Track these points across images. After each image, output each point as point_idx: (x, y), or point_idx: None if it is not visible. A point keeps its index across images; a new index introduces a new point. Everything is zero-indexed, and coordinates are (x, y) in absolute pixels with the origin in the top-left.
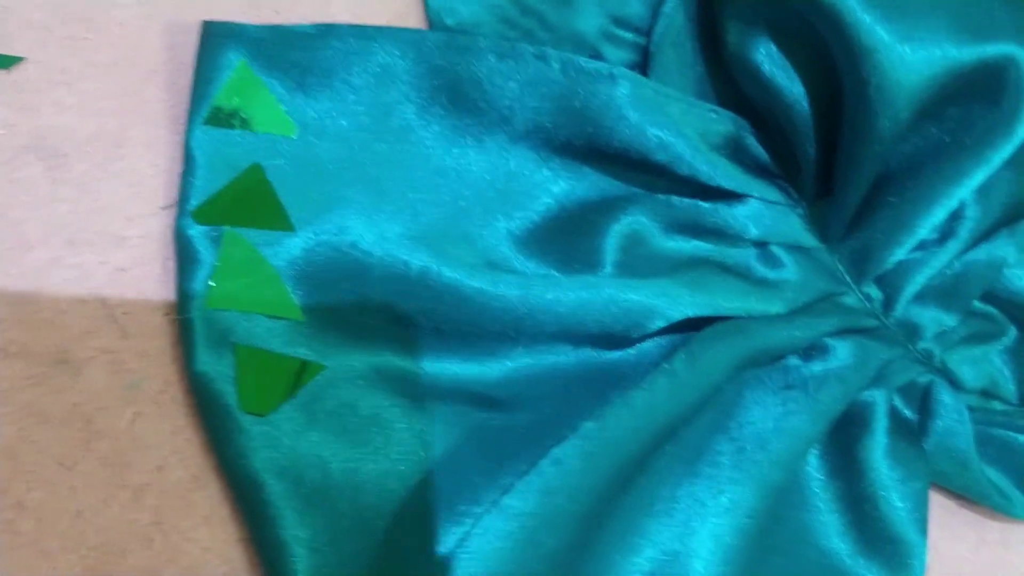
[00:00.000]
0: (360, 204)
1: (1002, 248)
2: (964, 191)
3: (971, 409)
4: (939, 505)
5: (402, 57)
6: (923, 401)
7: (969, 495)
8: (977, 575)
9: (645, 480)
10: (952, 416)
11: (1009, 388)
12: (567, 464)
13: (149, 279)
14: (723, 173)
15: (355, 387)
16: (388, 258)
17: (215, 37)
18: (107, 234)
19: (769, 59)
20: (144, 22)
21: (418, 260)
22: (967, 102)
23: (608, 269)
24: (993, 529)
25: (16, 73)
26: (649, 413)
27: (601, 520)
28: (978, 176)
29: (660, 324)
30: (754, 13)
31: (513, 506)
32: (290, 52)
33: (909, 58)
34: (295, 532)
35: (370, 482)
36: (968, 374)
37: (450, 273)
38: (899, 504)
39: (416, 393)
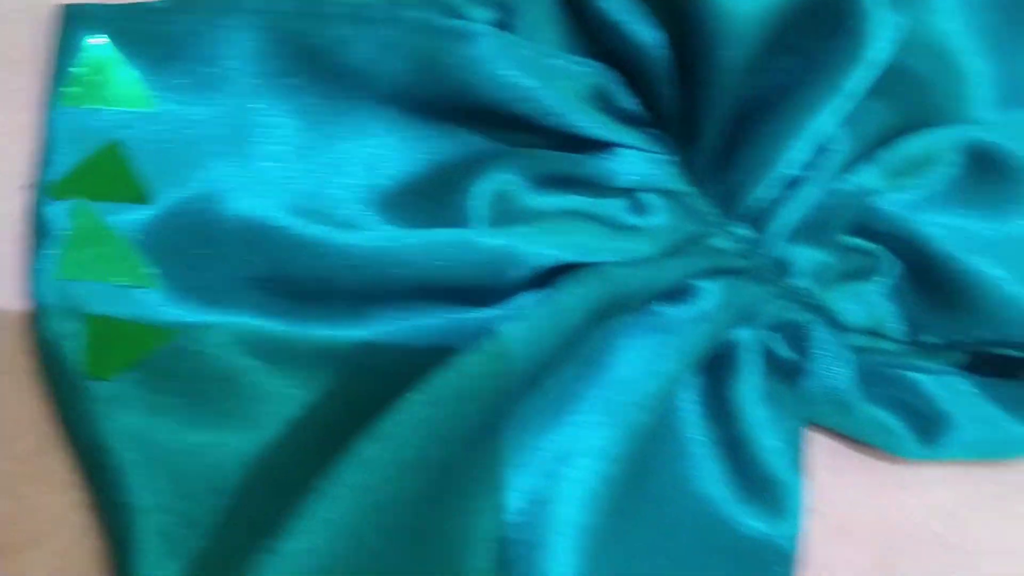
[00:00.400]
0: (220, 173)
1: (864, 177)
2: (824, 122)
3: (860, 349)
4: (831, 449)
5: (251, 26)
6: (800, 341)
7: (853, 435)
8: (873, 519)
9: (506, 430)
10: (830, 356)
11: (896, 326)
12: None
13: (7, 257)
14: (592, 123)
15: (209, 353)
16: (248, 220)
17: (74, 18)
18: None
19: (617, 4)
20: (17, 14)
21: (274, 219)
22: (811, 30)
23: (481, 227)
24: (888, 471)
25: None
26: (501, 361)
27: (461, 469)
28: (835, 104)
29: (523, 272)
30: None
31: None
32: (147, 28)
33: None
34: (141, 497)
35: (227, 447)
36: (851, 312)
37: (312, 230)
38: (773, 444)
39: (274, 357)
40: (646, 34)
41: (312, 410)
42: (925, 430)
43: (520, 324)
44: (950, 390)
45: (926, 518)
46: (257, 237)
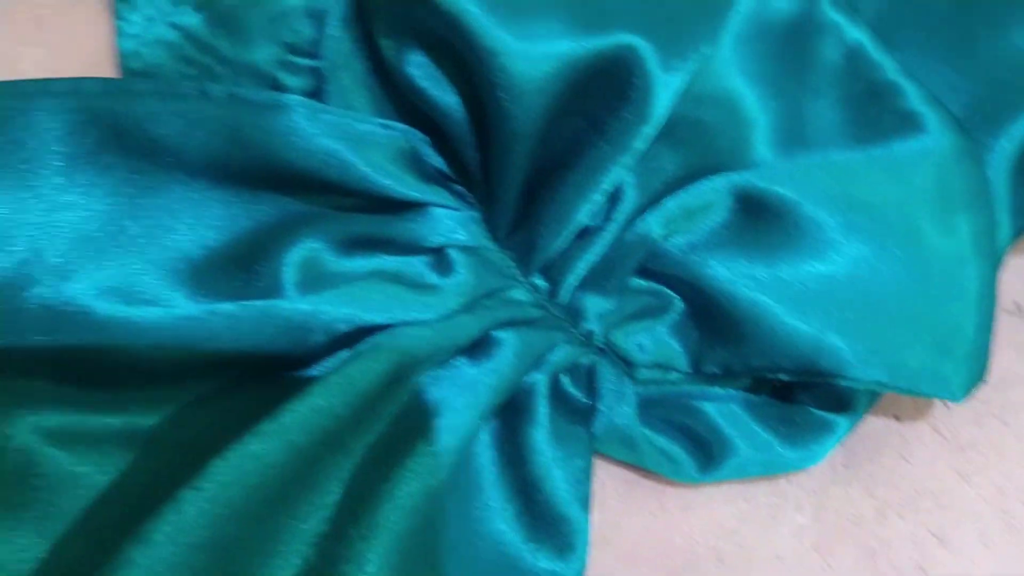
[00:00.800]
0: (26, 258)
1: (646, 225)
2: (613, 177)
3: (648, 382)
4: (619, 478)
5: (59, 107)
6: (589, 383)
7: (643, 466)
8: (660, 542)
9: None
10: (614, 395)
11: (680, 359)
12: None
13: None
14: (399, 184)
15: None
16: (51, 307)
17: None
18: None
19: (421, 71)
20: None
21: (83, 303)
22: (598, 94)
23: (290, 295)
24: (674, 496)
25: None
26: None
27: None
28: (623, 161)
29: (326, 336)
30: (401, 28)
31: None
32: None
33: (530, 55)
34: None
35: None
36: (639, 350)
37: (117, 311)
38: (561, 483)
39: (77, 442)
40: (448, 99)
41: (115, 491)
42: (707, 455)
43: (305, 400)
44: (729, 417)
45: (707, 536)
46: (59, 323)
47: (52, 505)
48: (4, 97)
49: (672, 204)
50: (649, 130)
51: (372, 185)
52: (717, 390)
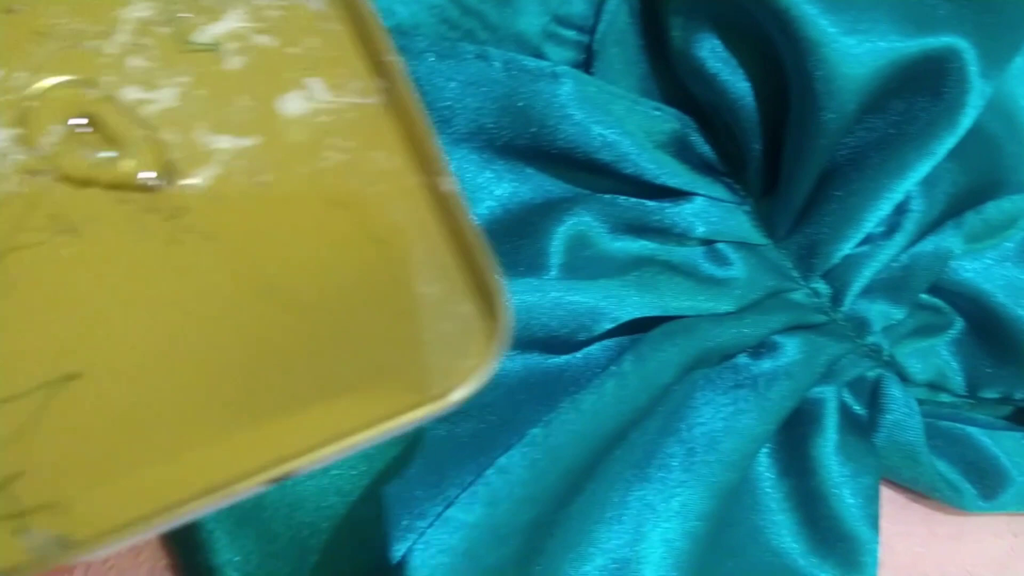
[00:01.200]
0: None
1: (948, 240)
2: (909, 183)
3: (919, 402)
4: (889, 500)
5: None
6: (872, 396)
7: (919, 488)
8: (929, 569)
9: (594, 486)
10: (902, 410)
11: (956, 380)
12: (513, 473)
13: None
14: (668, 171)
15: None
16: None
17: None
18: None
19: (713, 55)
20: None
21: None
22: (911, 94)
23: (554, 272)
24: (944, 522)
25: None
26: (597, 418)
27: (549, 529)
28: (922, 168)
29: (607, 326)
30: (698, 8)
31: (457, 518)
32: None
33: (854, 50)
34: (227, 556)
35: (308, 499)
36: (916, 367)
37: None
38: (850, 500)
39: None
40: (740, 85)
41: (379, 457)
42: (984, 484)
43: (612, 381)
44: (1005, 445)
45: (980, 569)
46: None
47: None
48: None
49: (974, 220)
50: (954, 138)
51: (641, 170)
52: (981, 416)
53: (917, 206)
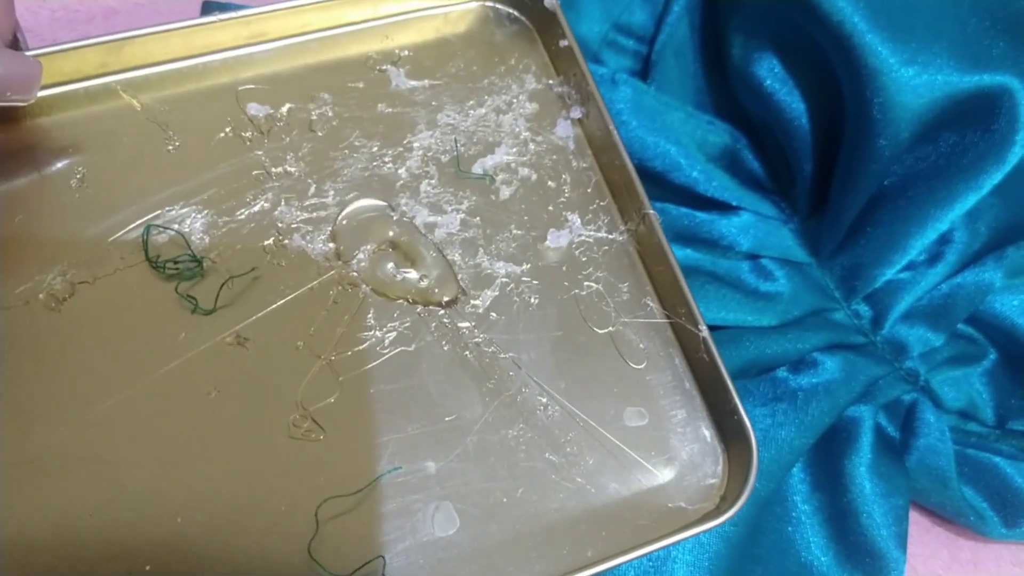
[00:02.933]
0: None
1: (989, 273)
2: (954, 214)
3: (949, 429)
4: (914, 522)
5: None
6: (907, 419)
7: (945, 513)
8: None
9: None
10: (935, 435)
11: (987, 410)
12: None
13: None
14: (718, 184)
15: None
16: None
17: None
18: None
19: (772, 74)
20: (137, 11)
21: None
22: (962, 127)
23: None
24: (965, 548)
25: None
26: None
27: None
28: (968, 200)
29: None
30: (760, 28)
31: None
32: None
33: (913, 81)
34: None
35: None
36: (949, 395)
37: None
38: (880, 519)
39: None
40: (796, 106)
41: None
42: (1007, 513)
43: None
44: None
45: None
46: None
47: None
48: None
49: (1015, 255)
50: (1000, 173)
51: (692, 180)
52: (1006, 447)
53: (960, 237)
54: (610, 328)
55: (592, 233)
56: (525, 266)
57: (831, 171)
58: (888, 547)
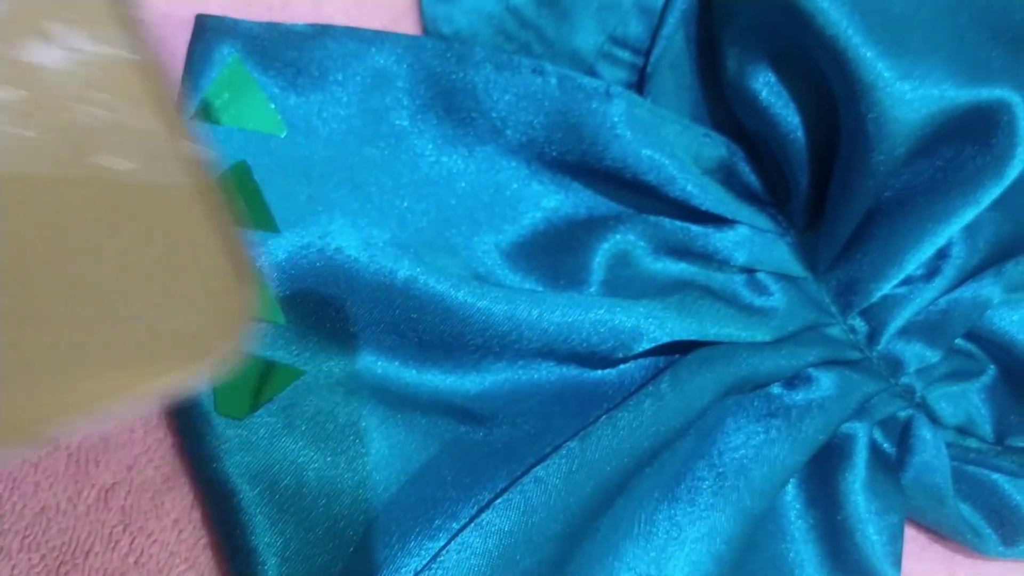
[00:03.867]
0: (347, 208)
1: (988, 288)
2: (952, 229)
3: (947, 445)
4: (911, 539)
5: (398, 62)
6: (902, 435)
7: (942, 530)
8: None
9: (624, 502)
10: (931, 452)
11: (985, 426)
12: (549, 483)
13: None
14: (713, 197)
15: (334, 394)
16: (373, 265)
17: (209, 31)
18: None
19: (768, 87)
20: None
21: (404, 269)
22: (960, 142)
23: (594, 288)
24: (963, 565)
25: None
26: (633, 435)
27: (579, 541)
28: (966, 215)
29: (646, 346)
30: (755, 41)
31: (492, 523)
32: (284, 51)
33: (908, 95)
34: (266, 540)
35: (346, 491)
36: (946, 410)
37: (436, 284)
38: (875, 537)
39: (396, 403)
40: (792, 119)
41: (416, 456)
42: (1006, 531)
43: (650, 401)
44: None
45: None
46: (383, 284)
47: (368, 457)
48: (343, 37)
49: (1014, 271)
50: (999, 188)
51: (687, 194)
52: (1006, 464)
53: (958, 252)
54: None
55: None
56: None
57: (828, 184)
58: (883, 566)
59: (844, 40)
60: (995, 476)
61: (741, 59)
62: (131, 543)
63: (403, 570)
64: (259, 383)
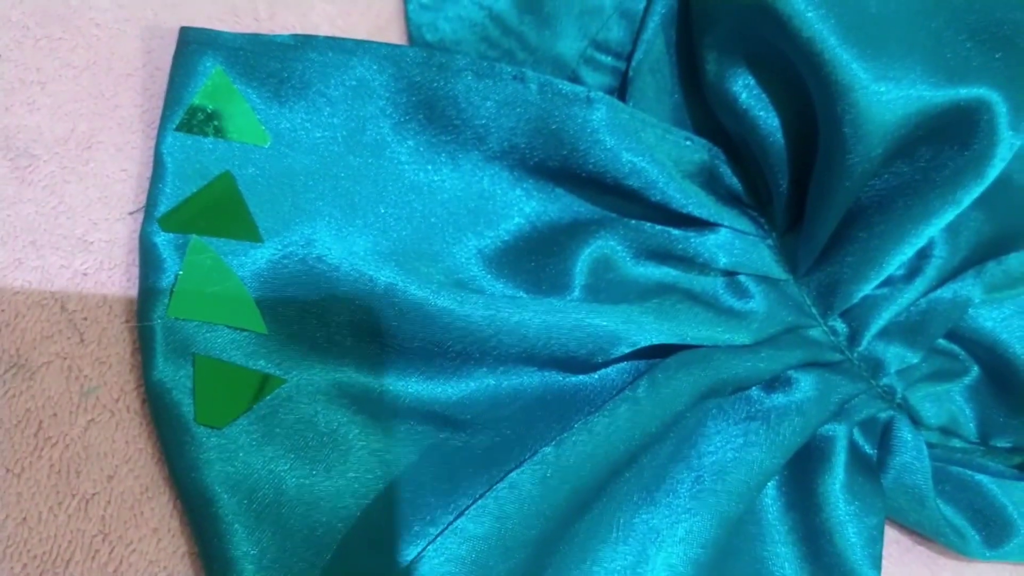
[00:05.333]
0: (329, 217)
1: (968, 288)
2: (933, 229)
3: (930, 446)
4: (894, 541)
5: (380, 72)
6: (883, 437)
7: (924, 531)
8: None
9: (602, 506)
10: (911, 453)
11: (969, 426)
12: (523, 489)
13: (112, 285)
14: (695, 201)
15: (314, 402)
16: (355, 273)
17: (192, 43)
18: (71, 237)
19: (747, 90)
20: (121, 25)
21: (385, 276)
22: (939, 142)
23: (576, 293)
24: (946, 567)
25: None
26: (609, 439)
27: (556, 545)
28: (947, 215)
29: (625, 350)
30: (734, 45)
31: (467, 529)
32: (267, 62)
33: (884, 97)
34: (244, 549)
35: (324, 499)
36: (929, 411)
37: (416, 291)
38: (854, 539)
39: (376, 410)
40: (771, 122)
41: (396, 463)
42: (990, 532)
43: (626, 405)
44: (1015, 495)
45: None
46: (365, 292)
47: (346, 465)
48: (325, 48)
49: (996, 270)
50: (979, 188)
51: (668, 198)
52: (992, 464)
53: (939, 252)
54: None
55: None
56: None
57: (808, 186)
58: (862, 567)
59: (820, 42)
60: (979, 477)
61: (720, 62)
62: (111, 552)
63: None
64: (240, 392)
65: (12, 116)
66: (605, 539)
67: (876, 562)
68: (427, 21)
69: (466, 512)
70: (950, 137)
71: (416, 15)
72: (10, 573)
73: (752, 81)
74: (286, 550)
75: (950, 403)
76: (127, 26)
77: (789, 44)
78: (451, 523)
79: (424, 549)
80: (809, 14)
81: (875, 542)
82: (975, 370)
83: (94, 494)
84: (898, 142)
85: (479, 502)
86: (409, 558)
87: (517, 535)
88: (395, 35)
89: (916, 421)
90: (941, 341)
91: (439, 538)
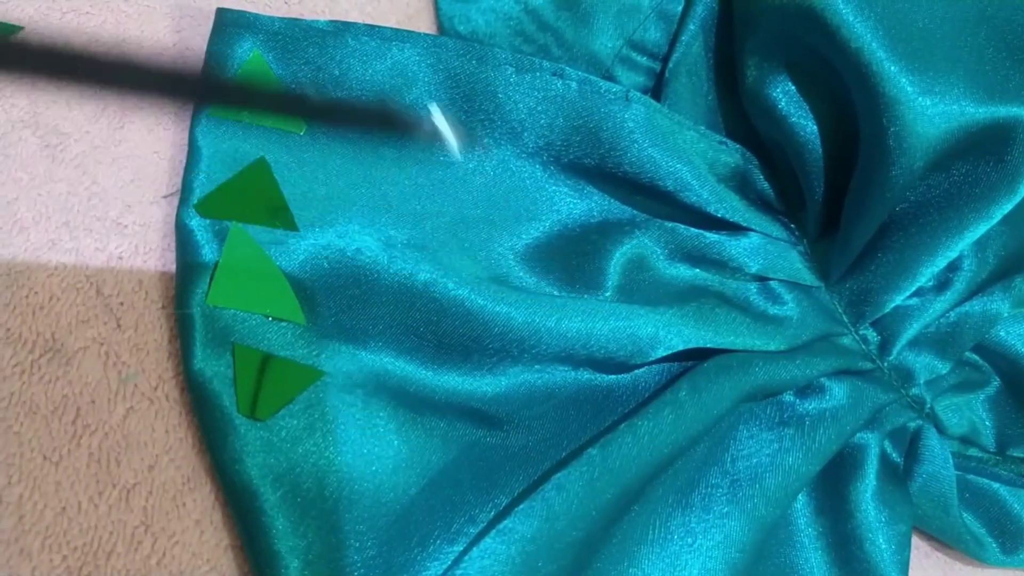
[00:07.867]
0: (364, 208)
1: (997, 303)
2: (965, 242)
3: (951, 455)
4: (913, 547)
5: (419, 62)
6: (911, 445)
7: (944, 538)
8: None
9: (640, 509)
10: (938, 462)
11: (988, 436)
12: (571, 490)
13: (147, 269)
14: (728, 205)
15: (353, 396)
16: (393, 268)
17: (229, 26)
18: (106, 220)
19: (786, 97)
20: (151, 2)
21: (424, 273)
22: (976, 158)
23: (609, 292)
24: (963, 572)
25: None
26: (653, 443)
27: (597, 547)
28: (979, 229)
29: (661, 353)
30: (775, 51)
31: (515, 530)
32: (305, 47)
33: (930, 111)
34: (289, 542)
35: (365, 494)
36: (952, 420)
37: (456, 288)
38: (884, 546)
39: (413, 404)
40: (809, 129)
41: (435, 460)
42: (1005, 539)
43: (669, 409)
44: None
45: None
46: (404, 287)
47: (390, 458)
48: (363, 35)
49: (1023, 285)
50: (1011, 203)
51: (702, 201)
52: (1003, 472)
53: (968, 265)
54: None
55: None
56: None
57: (842, 195)
58: (890, 573)
59: (868, 54)
60: (995, 485)
61: (761, 68)
62: (153, 544)
63: (424, 574)
64: (281, 384)
65: (39, 91)
66: (642, 540)
67: (904, 569)
68: (459, 12)
69: (513, 512)
70: (986, 153)
71: (447, 6)
72: (49, 565)
73: (792, 88)
74: (330, 544)
75: (972, 413)
76: (157, 3)
77: (835, 54)
78: (493, 522)
79: (468, 549)
80: (858, 25)
81: (904, 549)
82: (996, 381)
83: (135, 484)
84: (938, 155)
85: (526, 503)
86: (451, 555)
87: (565, 536)
88: (424, 24)
89: (939, 430)
90: (967, 352)
91: (485, 539)
